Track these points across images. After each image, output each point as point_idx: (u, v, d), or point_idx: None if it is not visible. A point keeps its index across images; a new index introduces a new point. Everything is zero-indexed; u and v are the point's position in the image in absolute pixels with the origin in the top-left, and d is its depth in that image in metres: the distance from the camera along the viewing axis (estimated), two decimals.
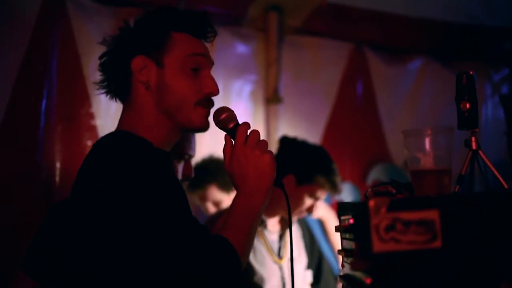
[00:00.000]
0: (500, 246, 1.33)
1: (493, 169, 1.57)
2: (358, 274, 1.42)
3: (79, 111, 2.97)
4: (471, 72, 1.59)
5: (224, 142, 1.59)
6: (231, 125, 1.60)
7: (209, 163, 3.21)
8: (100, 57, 1.66)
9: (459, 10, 3.80)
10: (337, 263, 3.04)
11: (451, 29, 3.98)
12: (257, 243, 2.64)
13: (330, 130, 3.87)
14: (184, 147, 2.02)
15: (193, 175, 2.08)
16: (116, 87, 1.64)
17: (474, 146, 1.58)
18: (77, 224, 1.50)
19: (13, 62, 2.71)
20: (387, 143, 4.04)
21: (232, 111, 1.62)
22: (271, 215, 2.68)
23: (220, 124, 1.61)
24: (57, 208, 1.84)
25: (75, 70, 2.94)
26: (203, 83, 1.60)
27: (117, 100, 1.67)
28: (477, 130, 1.58)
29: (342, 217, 1.62)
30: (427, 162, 1.49)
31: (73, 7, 2.96)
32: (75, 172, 1.57)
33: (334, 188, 2.68)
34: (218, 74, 1.80)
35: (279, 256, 2.69)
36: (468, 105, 1.57)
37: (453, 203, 1.35)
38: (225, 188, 3.16)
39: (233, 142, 1.57)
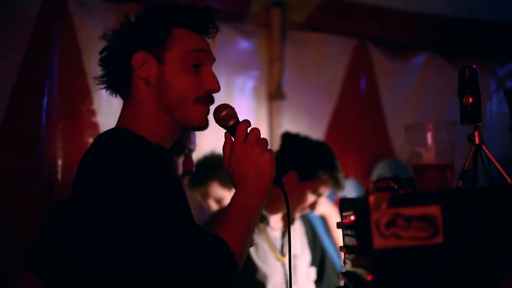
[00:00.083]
0: (503, 242, 1.31)
1: (496, 164, 1.55)
2: (359, 271, 1.40)
3: (80, 108, 2.95)
4: (473, 66, 1.57)
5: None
6: (231, 123, 1.58)
7: (211, 159, 3.20)
8: (101, 52, 1.64)
9: (459, 4, 3.78)
10: (340, 260, 3.02)
11: (452, 24, 3.95)
12: (260, 240, 2.63)
13: (334, 126, 3.86)
14: (184, 141, 1.99)
15: (194, 169, 2.06)
16: (116, 82, 1.63)
17: (477, 141, 1.56)
18: (77, 222, 1.50)
19: (14, 60, 2.70)
20: (390, 139, 4.03)
21: (233, 108, 1.60)
22: (274, 212, 2.67)
23: (220, 121, 1.59)
24: (58, 206, 1.84)
25: (76, 67, 2.92)
26: (204, 79, 1.59)
27: (117, 96, 1.66)
28: (480, 124, 1.56)
29: (344, 213, 1.60)
30: (429, 156, 1.46)
31: (74, 3, 2.95)
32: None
33: (337, 185, 2.66)
34: (220, 71, 1.79)
35: (282, 253, 2.68)
36: (471, 99, 1.55)
37: (455, 198, 1.33)
38: (227, 184, 3.14)
39: (233, 139, 1.55)
